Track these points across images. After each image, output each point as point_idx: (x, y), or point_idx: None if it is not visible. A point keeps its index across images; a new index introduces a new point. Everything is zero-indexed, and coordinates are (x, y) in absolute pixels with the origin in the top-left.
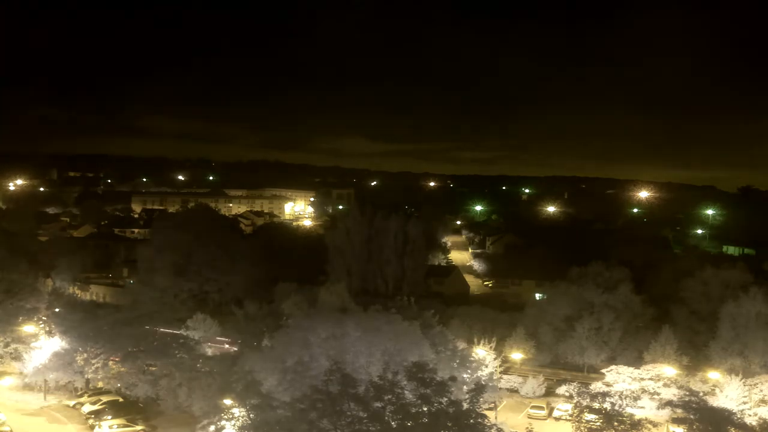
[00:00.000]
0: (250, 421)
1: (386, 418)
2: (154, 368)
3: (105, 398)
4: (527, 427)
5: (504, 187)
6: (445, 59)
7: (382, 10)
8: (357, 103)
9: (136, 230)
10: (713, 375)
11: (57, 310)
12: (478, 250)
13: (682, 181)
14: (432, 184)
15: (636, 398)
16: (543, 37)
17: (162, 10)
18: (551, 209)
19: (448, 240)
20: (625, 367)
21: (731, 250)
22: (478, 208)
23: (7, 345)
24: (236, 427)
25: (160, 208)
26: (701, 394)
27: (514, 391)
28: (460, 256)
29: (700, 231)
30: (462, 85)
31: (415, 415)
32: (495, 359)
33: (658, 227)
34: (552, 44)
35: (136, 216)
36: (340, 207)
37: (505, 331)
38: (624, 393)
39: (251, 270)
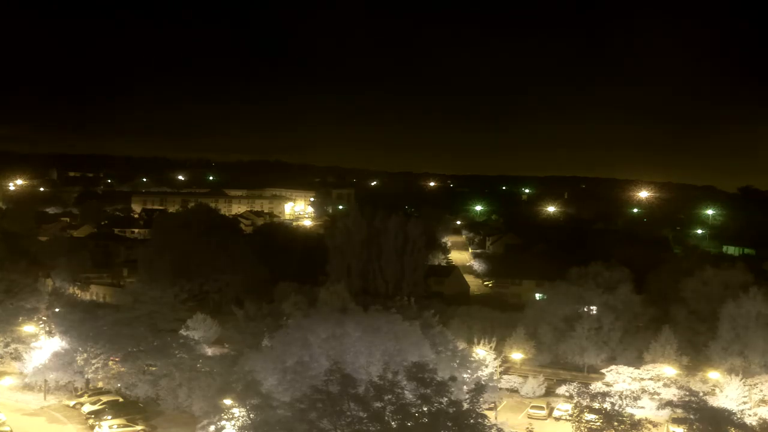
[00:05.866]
0: (250, 421)
1: (386, 418)
2: (154, 368)
3: (105, 398)
4: (527, 427)
5: (504, 187)
6: (447, 61)
7: (382, 11)
8: (357, 103)
9: (136, 230)
10: (713, 375)
11: (57, 310)
12: (478, 250)
13: (682, 181)
14: (432, 184)
15: (636, 398)
16: (546, 43)
17: (161, 10)
18: (551, 209)
19: (448, 240)
20: (625, 367)
21: (731, 250)
22: (478, 208)
23: (7, 345)
24: (236, 427)
25: (160, 208)
26: (701, 394)
27: (514, 391)
28: (460, 256)
29: (700, 231)
30: (463, 87)
31: (415, 415)
32: (495, 359)
33: (658, 227)
34: (554, 50)
35: (136, 216)
36: (340, 207)
37: (505, 331)
38: (624, 393)
39: (251, 270)
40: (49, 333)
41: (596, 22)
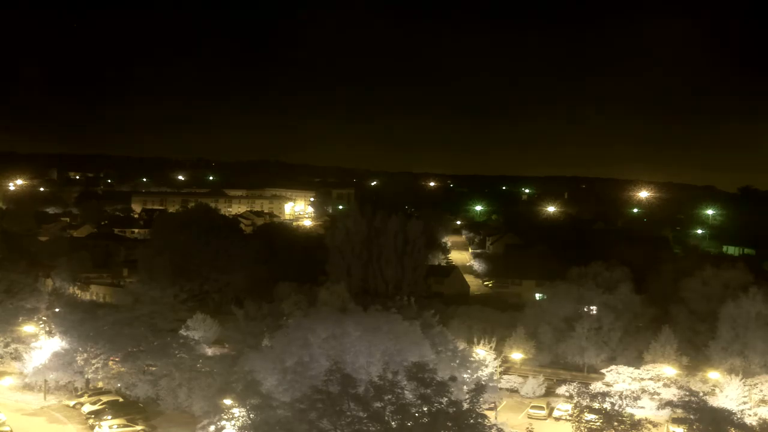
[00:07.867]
0: (250, 421)
1: (386, 418)
2: (154, 368)
3: (105, 398)
4: (527, 427)
5: (504, 187)
6: (447, 61)
7: (382, 10)
8: (357, 103)
9: (136, 230)
10: (713, 375)
11: (57, 310)
12: (478, 250)
13: (682, 181)
14: (432, 184)
15: (636, 398)
16: (545, 41)
17: (161, 9)
18: (551, 209)
19: (448, 240)
20: (625, 367)
21: (731, 250)
22: (478, 208)
23: (7, 345)
24: (236, 427)
25: (160, 208)
26: (701, 394)
27: (514, 391)
28: (460, 256)
29: (700, 231)
30: (464, 87)
31: (415, 415)
32: (495, 359)
33: (658, 227)
34: (554, 48)
35: (136, 216)
36: (340, 207)
37: (505, 331)
38: (624, 393)
39: (251, 270)
40: (49, 333)
41: (597, 21)
